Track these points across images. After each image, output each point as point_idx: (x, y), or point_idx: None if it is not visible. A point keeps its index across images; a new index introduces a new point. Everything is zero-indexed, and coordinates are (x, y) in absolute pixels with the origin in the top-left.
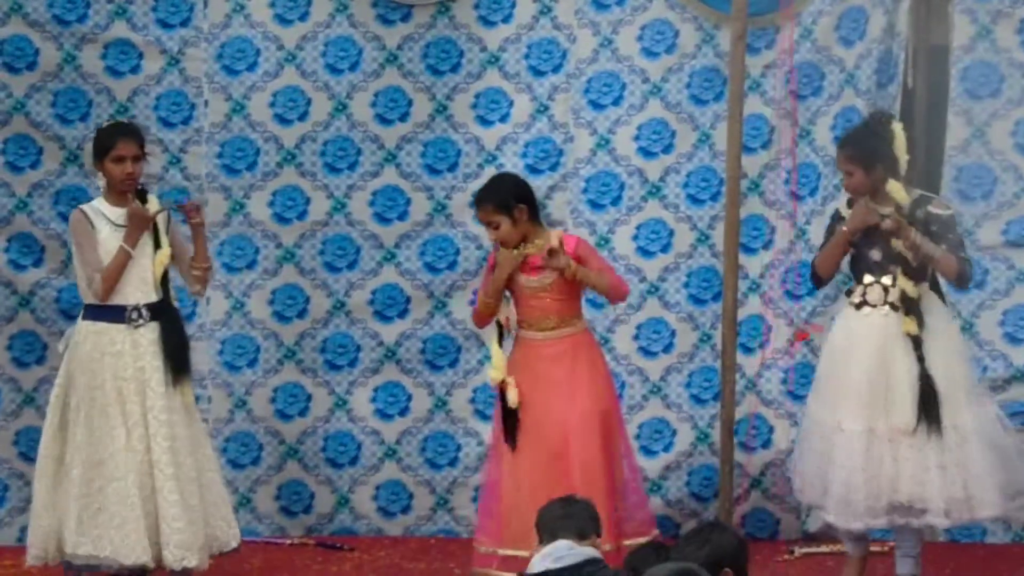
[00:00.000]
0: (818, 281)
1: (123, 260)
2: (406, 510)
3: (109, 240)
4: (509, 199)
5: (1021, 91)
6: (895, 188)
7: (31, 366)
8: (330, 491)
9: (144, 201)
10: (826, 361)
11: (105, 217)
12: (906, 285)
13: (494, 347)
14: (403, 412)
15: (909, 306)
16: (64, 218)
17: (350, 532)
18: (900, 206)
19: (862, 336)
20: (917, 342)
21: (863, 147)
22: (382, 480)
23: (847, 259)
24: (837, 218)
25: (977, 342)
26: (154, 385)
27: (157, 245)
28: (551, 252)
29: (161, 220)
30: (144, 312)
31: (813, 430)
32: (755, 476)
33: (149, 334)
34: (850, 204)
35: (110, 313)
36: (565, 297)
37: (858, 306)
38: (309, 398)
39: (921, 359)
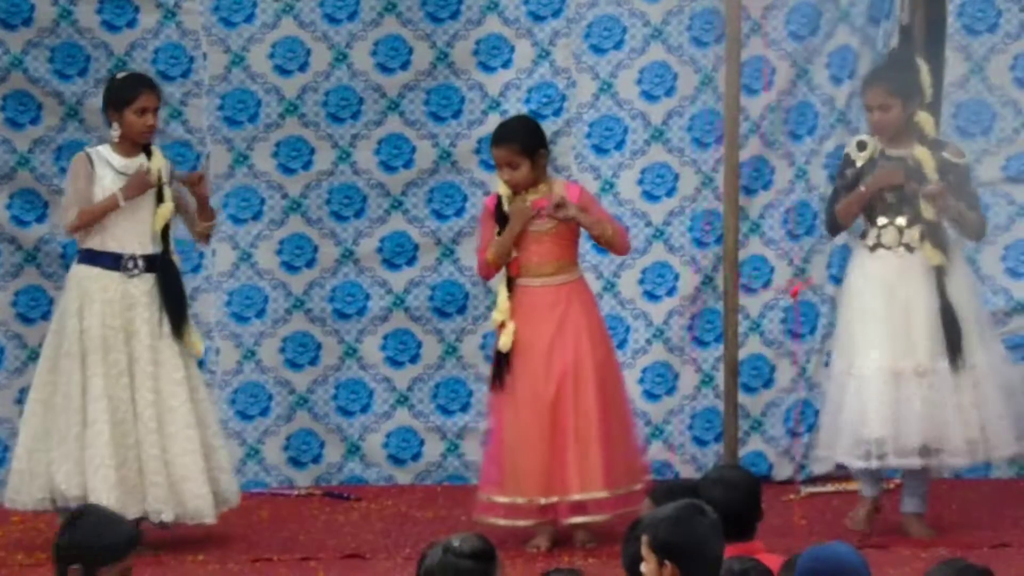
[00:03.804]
0: (835, 229)
1: (110, 206)
2: (416, 457)
3: (112, 187)
4: (535, 142)
5: (1019, 25)
6: (925, 120)
7: (36, 321)
8: (340, 440)
9: (149, 155)
10: (843, 309)
11: (110, 165)
12: (930, 214)
13: (502, 290)
14: (413, 359)
15: (935, 238)
16: (67, 173)
17: (360, 481)
18: (925, 136)
19: (878, 278)
20: (940, 273)
21: (902, 80)
22: (393, 427)
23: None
24: (847, 162)
25: (979, 277)
26: (143, 336)
27: (160, 199)
28: (558, 205)
29: (164, 171)
30: (140, 262)
31: (832, 381)
32: (756, 417)
33: (142, 285)
34: (860, 147)
35: (105, 259)
36: (565, 242)
37: (872, 248)
38: (319, 347)
39: (943, 292)
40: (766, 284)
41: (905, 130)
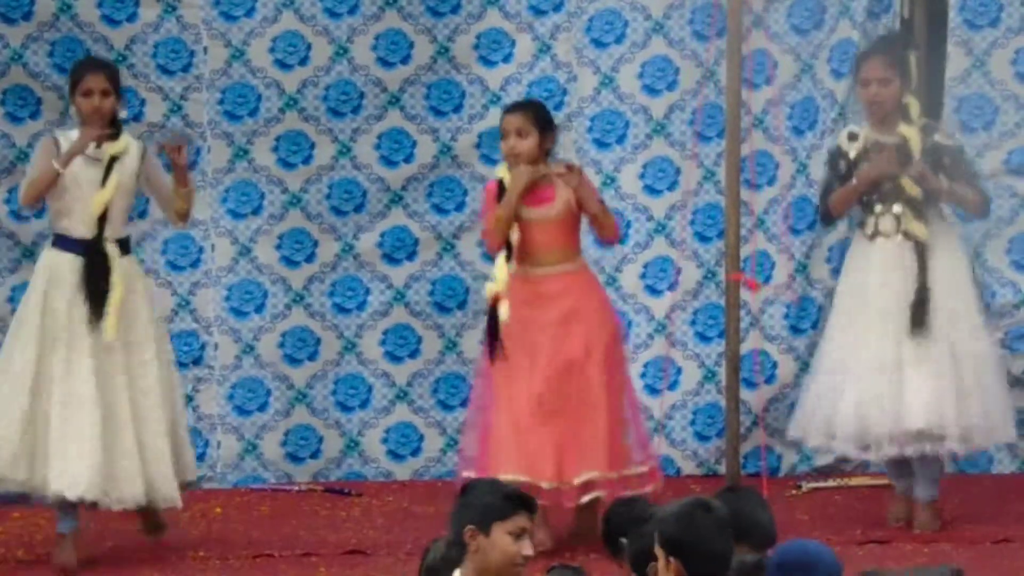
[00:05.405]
0: (829, 220)
1: (50, 175)
2: (416, 452)
3: (80, 171)
4: (549, 120)
5: (1020, 19)
6: (912, 104)
7: None
8: (339, 435)
9: (117, 137)
10: (842, 298)
11: None
12: (912, 189)
13: (500, 261)
14: (413, 354)
15: (917, 210)
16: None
17: (358, 476)
18: (912, 119)
19: (878, 267)
20: (921, 248)
21: (901, 56)
22: (393, 423)
23: None
24: (839, 154)
25: (986, 269)
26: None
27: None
28: (569, 167)
29: (133, 156)
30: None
31: (822, 369)
32: (758, 412)
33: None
34: (851, 137)
35: (75, 246)
36: (568, 230)
37: (871, 237)
38: (318, 342)
39: (923, 268)
40: (768, 279)
41: (896, 112)
